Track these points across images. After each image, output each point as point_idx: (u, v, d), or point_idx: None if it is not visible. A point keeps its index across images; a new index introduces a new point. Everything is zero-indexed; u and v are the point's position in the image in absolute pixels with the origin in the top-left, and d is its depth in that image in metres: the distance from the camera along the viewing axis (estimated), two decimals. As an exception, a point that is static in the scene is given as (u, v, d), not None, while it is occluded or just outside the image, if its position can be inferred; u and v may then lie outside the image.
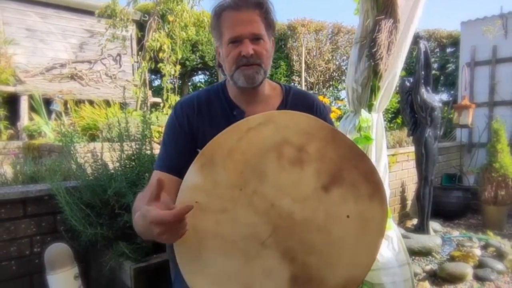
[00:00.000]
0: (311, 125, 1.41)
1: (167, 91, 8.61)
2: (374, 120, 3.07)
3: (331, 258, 1.35)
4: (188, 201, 1.38)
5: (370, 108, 3.05)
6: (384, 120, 4.07)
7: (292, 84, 12.84)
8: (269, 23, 1.71)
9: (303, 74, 11.06)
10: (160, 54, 8.49)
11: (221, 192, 1.37)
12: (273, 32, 1.77)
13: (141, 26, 11.07)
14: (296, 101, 1.86)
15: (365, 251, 1.37)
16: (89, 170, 2.56)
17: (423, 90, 4.78)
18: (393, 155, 5.51)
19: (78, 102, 9.22)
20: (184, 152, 1.66)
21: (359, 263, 1.36)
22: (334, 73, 13.68)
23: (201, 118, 1.76)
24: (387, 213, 1.40)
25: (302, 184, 1.37)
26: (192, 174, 1.40)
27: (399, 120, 9.70)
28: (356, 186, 1.37)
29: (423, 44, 4.78)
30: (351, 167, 1.38)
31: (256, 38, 1.65)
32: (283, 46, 13.81)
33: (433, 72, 7.13)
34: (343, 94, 13.83)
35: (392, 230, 3.10)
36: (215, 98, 1.82)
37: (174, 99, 8.49)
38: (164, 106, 8.74)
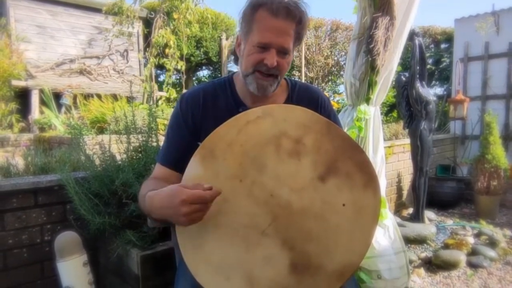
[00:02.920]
0: (308, 118, 1.41)
1: (167, 85, 8.62)
2: (371, 113, 3.07)
3: (329, 245, 1.35)
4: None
5: (367, 101, 3.06)
6: (381, 114, 4.07)
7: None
8: (300, 38, 1.64)
9: (303, 69, 11.05)
10: (167, 50, 8.49)
11: (221, 183, 1.36)
12: (299, 44, 1.69)
13: (147, 23, 11.08)
14: (302, 96, 1.81)
15: (361, 237, 1.37)
16: (97, 162, 2.56)
17: (418, 84, 4.77)
18: (389, 147, 5.50)
19: (87, 96, 9.26)
20: (186, 146, 1.61)
21: (355, 249, 1.36)
22: (333, 68, 13.62)
23: (206, 113, 1.71)
24: (380, 201, 1.40)
25: (300, 175, 1.37)
26: (194, 165, 1.40)
27: (395, 114, 9.70)
28: (351, 176, 1.37)
29: (418, 40, 4.76)
30: (346, 158, 1.38)
31: (283, 52, 1.57)
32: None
33: (428, 67, 7.12)
34: (341, 88, 13.82)
35: (388, 219, 3.11)
36: (221, 93, 1.76)
37: (174, 93, 8.53)
38: (160, 98, 8.78)
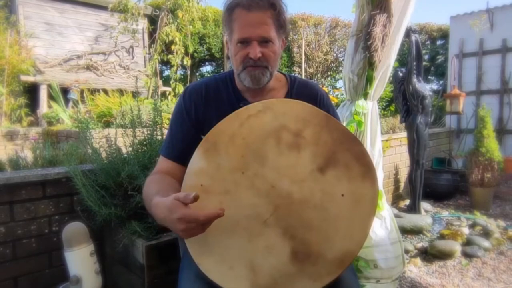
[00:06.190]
0: (307, 112, 1.41)
1: (175, 81, 8.62)
2: (369, 108, 3.06)
3: (328, 234, 1.34)
4: (194, 184, 1.39)
5: (365, 96, 3.04)
6: (379, 108, 4.06)
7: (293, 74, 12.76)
8: (281, 24, 1.61)
9: (303, 65, 11.03)
10: (172, 46, 8.49)
11: (224, 175, 1.37)
12: (285, 31, 1.66)
13: (152, 20, 11.07)
14: (301, 92, 1.79)
15: (359, 226, 1.36)
16: (103, 154, 2.55)
17: (414, 80, 4.76)
18: (387, 140, 5.50)
19: (94, 91, 9.27)
20: (189, 139, 1.62)
21: (354, 238, 1.35)
22: (332, 64, 13.62)
23: (208, 106, 1.70)
24: (378, 191, 1.40)
25: (300, 167, 1.37)
26: (197, 158, 1.40)
27: (392, 108, 9.69)
28: (349, 167, 1.37)
29: (414, 37, 4.75)
30: (344, 150, 1.38)
31: (264, 41, 1.56)
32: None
33: (424, 63, 7.11)
34: (340, 83, 13.82)
35: (385, 210, 3.10)
36: (223, 87, 1.75)
37: (181, 88, 8.52)
38: (169, 94, 8.77)
